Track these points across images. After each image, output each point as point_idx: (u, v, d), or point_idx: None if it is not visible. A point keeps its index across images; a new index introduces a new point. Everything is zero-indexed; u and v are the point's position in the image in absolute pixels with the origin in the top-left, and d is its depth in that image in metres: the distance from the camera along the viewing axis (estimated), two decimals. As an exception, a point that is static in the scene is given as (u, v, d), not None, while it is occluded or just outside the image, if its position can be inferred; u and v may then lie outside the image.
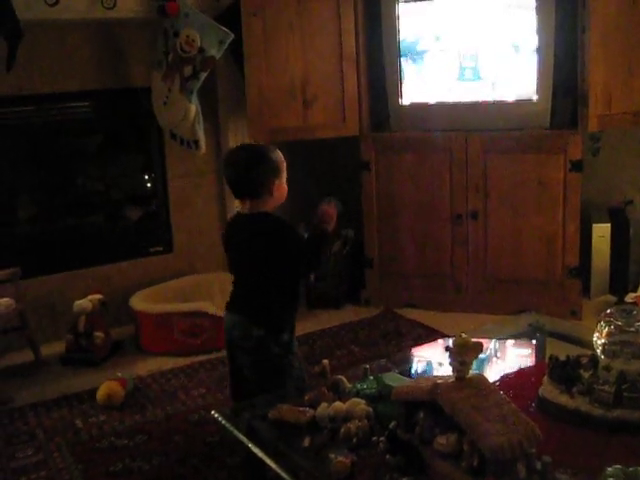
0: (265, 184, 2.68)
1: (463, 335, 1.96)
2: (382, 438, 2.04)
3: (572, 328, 3.27)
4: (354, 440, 2.08)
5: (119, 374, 3.78)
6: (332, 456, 2.01)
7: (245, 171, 2.69)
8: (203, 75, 4.19)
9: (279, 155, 2.74)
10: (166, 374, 3.96)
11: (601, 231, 4.57)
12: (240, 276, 2.81)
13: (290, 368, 2.73)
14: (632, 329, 2.22)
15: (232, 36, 4.14)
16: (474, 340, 1.97)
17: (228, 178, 2.77)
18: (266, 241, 2.68)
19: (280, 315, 2.75)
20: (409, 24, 4.41)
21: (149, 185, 4.83)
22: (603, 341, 2.25)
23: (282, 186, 2.73)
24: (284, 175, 2.74)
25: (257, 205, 2.70)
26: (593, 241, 4.56)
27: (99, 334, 4.12)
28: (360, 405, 2.22)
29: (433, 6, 4.40)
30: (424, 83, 4.50)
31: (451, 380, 1.97)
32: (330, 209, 2.71)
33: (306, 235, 2.78)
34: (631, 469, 1.73)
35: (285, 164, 2.76)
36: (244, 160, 2.72)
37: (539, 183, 4.32)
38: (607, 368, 2.20)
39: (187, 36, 4.11)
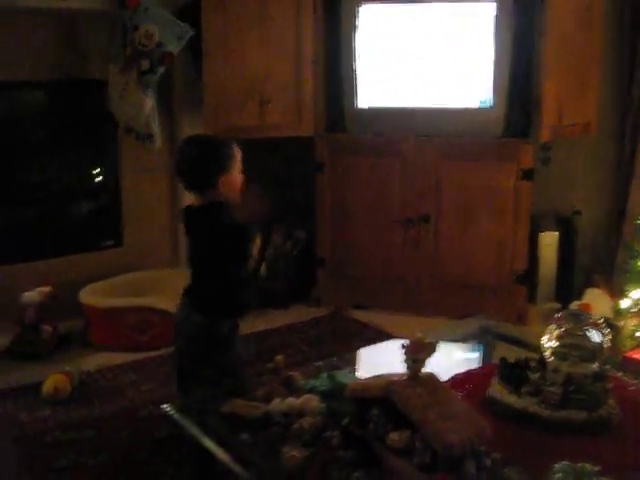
0: (210, 179, 2.65)
1: (418, 334, 2.00)
2: (335, 433, 2.06)
3: (519, 332, 3.34)
4: (307, 436, 2.09)
5: (66, 368, 3.73)
6: (285, 450, 2.02)
7: (192, 165, 2.68)
8: (160, 70, 4.16)
9: (231, 149, 2.71)
10: (114, 369, 3.92)
11: (549, 239, 4.66)
12: (191, 264, 2.83)
13: (222, 362, 2.73)
14: (580, 333, 2.28)
15: (191, 32, 4.13)
16: (428, 340, 2.00)
17: (177, 169, 2.77)
18: (205, 234, 2.69)
19: (220, 304, 2.74)
20: (368, 28, 4.45)
21: (102, 178, 4.78)
22: (552, 344, 2.30)
23: (231, 180, 2.69)
24: (235, 170, 2.71)
25: (204, 198, 2.70)
26: (541, 249, 4.66)
27: (47, 327, 4.07)
28: (313, 401, 2.23)
29: (392, 10, 4.45)
30: (381, 87, 4.54)
31: (404, 378, 2.00)
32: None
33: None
34: (579, 465, 1.78)
35: (238, 158, 2.72)
36: (192, 153, 2.71)
37: (490, 190, 4.40)
38: (555, 370, 2.25)
39: (146, 30, 4.09)
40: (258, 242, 2.85)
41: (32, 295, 4.08)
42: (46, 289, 4.15)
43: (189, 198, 2.83)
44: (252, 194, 2.69)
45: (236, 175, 2.71)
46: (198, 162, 2.68)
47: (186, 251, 2.90)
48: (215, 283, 2.73)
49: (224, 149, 2.70)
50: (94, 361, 4.01)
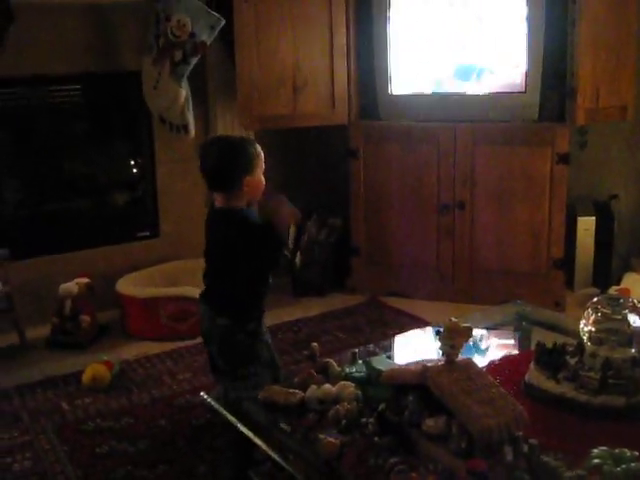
0: (235, 180, 2.65)
1: (453, 319, 1.99)
2: (371, 420, 2.06)
3: (557, 318, 3.31)
4: (343, 422, 2.10)
5: (105, 357, 3.78)
6: (322, 437, 2.03)
7: (216, 166, 2.67)
8: (193, 60, 4.18)
9: (254, 149, 2.70)
10: (152, 358, 3.96)
11: (586, 224, 4.61)
12: (209, 268, 2.82)
13: (256, 355, 2.73)
14: (618, 317, 2.26)
15: (223, 22, 4.13)
16: (464, 325, 1.99)
17: (201, 171, 2.76)
18: (229, 239, 2.67)
19: (244, 307, 2.74)
20: (400, 14, 4.42)
21: (137, 170, 4.82)
22: (590, 328, 2.28)
23: (255, 181, 2.68)
24: (258, 170, 2.70)
25: (229, 199, 2.68)
26: (578, 234, 4.61)
27: (85, 317, 4.12)
28: (349, 388, 2.24)
29: (424, -4, 4.42)
30: (414, 73, 4.51)
31: (440, 364, 2.00)
32: (288, 214, 2.69)
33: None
34: (617, 450, 1.76)
35: (261, 158, 2.71)
36: (216, 154, 2.70)
37: (526, 175, 4.35)
38: (593, 355, 2.24)
39: (178, 21, 4.10)
40: (293, 230, 2.82)
41: (70, 286, 4.14)
42: (84, 280, 4.20)
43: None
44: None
45: (259, 177, 2.71)
46: (222, 163, 2.67)
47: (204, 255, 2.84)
48: (236, 288, 2.72)
49: (248, 150, 2.69)
50: (132, 350, 4.05)
